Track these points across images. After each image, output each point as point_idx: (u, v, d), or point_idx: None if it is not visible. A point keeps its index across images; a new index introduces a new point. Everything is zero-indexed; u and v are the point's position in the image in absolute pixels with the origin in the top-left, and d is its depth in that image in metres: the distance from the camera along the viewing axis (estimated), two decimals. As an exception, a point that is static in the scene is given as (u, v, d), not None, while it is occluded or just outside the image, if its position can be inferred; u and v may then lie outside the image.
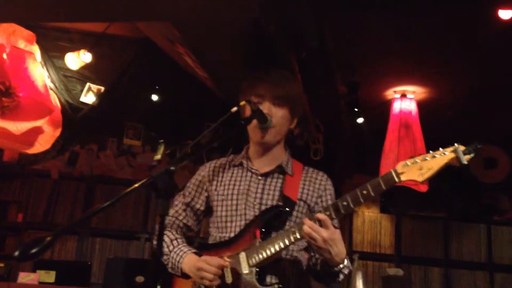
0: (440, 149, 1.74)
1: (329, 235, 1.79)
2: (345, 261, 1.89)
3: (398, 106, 5.27)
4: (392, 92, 5.36)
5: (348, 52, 4.59)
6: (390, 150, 5.12)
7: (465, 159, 1.68)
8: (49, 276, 4.64)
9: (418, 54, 4.61)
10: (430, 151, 1.76)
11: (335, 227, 1.85)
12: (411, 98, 5.29)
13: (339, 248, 1.83)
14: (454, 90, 5.29)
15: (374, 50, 4.57)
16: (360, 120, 5.38)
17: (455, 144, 1.73)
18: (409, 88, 5.27)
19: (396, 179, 1.76)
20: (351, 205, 1.82)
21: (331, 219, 1.83)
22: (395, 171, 1.77)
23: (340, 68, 4.74)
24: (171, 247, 2.12)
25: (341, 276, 1.94)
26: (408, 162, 1.76)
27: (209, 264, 1.96)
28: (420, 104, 5.34)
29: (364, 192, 1.80)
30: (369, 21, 4.06)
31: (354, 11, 3.86)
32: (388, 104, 5.43)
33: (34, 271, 4.69)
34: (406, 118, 5.19)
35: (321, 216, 1.82)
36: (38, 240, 1.22)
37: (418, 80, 5.13)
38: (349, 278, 4.86)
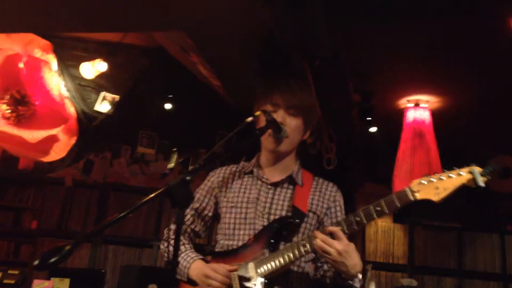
0: (456, 168, 1.73)
1: (343, 247, 1.78)
2: (359, 276, 1.87)
3: (411, 115, 5.25)
4: (406, 101, 5.34)
5: (361, 61, 4.58)
6: (404, 159, 5.10)
7: (481, 180, 1.67)
8: (63, 284, 4.67)
9: (432, 63, 4.60)
10: (445, 170, 1.75)
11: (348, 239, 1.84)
12: (424, 107, 5.27)
13: (354, 261, 1.81)
14: (468, 99, 5.26)
15: (388, 58, 4.56)
16: (373, 129, 5.37)
17: (472, 165, 1.71)
18: (422, 97, 5.25)
19: (411, 197, 1.76)
20: (364, 221, 1.82)
21: (344, 233, 1.82)
22: (410, 189, 1.76)
23: (353, 76, 4.74)
24: (178, 253, 2.12)
25: None
26: (423, 180, 1.75)
27: (217, 272, 1.95)
28: (434, 113, 5.31)
29: (378, 208, 1.80)
30: (383, 29, 4.06)
31: (367, 21, 3.87)
32: (401, 113, 5.41)
33: (48, 278, 4.72)
34: (420, 127, 5.17)
35: (332, 228, 1.81)
36: (57, 249, 1.24)
37: (432, 89, 5.11)
38: (362, 288, 4.83)
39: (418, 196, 1.75)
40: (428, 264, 6.82)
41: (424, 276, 6.74)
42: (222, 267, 1.96)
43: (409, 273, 6.63)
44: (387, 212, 1.79)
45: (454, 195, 1.76)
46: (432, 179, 1.74)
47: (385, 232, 6.87)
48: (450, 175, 1.73)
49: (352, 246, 1.82)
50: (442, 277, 6.75)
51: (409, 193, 1.76)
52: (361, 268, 1.85)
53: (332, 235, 1.80)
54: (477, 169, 1.70)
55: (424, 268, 6.79)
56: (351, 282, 1.87)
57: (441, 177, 1.74)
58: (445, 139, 5.17)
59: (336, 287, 1.93)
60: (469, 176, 1.70)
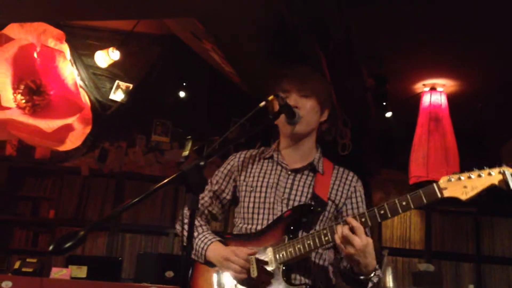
0: (486, 168, 1.69)
1: (361, 245, 1.76)
2: (376, 271, 1.85)
3: (427, 99, 5.18)
4: (422, 85, 5.28)
5: (375, 44, 4.53)
6: (420, 144, 5.04)
7: None
8: (81, 271, 4.71)
9: (448, 46, 4.53)
10: (475, 169, 1.70)
11: (367, 235, 1.81)
12: (441, 91, 5.20)
13: (367, 260, 1.79)
14: (484, 82, 5.18)
15: (403, 42, 4.50)
16: (388, 114, 5.31)
17: (503, 165, 1.67)
18: (438, 81, 5.18)
19: (439, 194, 1.72)
20: (389, 215, 1.78)
21: (366, 226, 1.79)
22: (438, 186, 1.72)
23: (367, 60, 4.69)
24: (195, 234, 2.11)
25: (370, 284, 1.89)
26: (452, 177, 1.71)
27: (238, 255, 1.93)
28: (450, 97, 5.24)
29: (404, 203, 1.76)
30: (397, 12, 4.00)
31: (381, 3, 3.81)
32: (417, 97, 5.35)
33: (66, 266, 4.77)
34: (436, 111, 5.10)
35: (354, 222, 1.78)
36: (71, 234, 1.24)
37: (448, 73, 5.04)
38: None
39: (446, 193, 1.71)
40: (445, 249, 6.78)
41: (441, 261, 6.69)
42: (243, 251, 1.94)
43: (426, 259, 6.59)
44: (413, 207, 1.75)
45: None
46: (461, 177, 1.70)
47: (401, 218, 6.83)
48: (481, 174, 1.68)
49: (370, 245, 1.79)
50: (460, 262, 6.70)
51: (437, 190, 1.72)
52: (373, 267, 1.82)
53: (352, 228, 1.78)
54: (508, 170, 1.65)
55: (441, 253, 6.75)
56: (363, 278, 1.84)
57: (470, 175, 1.69)
58: (461, 123, 5.10)
59: (353, 280, 1.91)
60: (499, 177, 1.66)
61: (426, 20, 4.11)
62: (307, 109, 2.06)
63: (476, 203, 6.64)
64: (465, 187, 1.69)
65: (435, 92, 5.19)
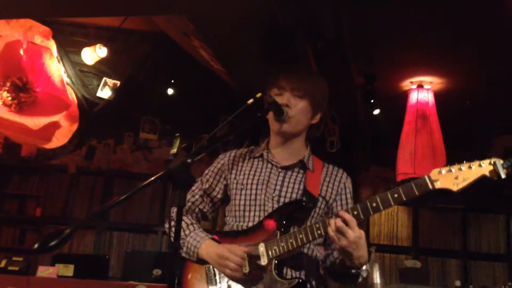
0: (476, 160, 1.71)
1: (354, 237, 1.77)
2: (365, 266, 1.87)
3: (415, 97, 5.21)
4: (409, 83, 5.30)
5: (364, 43, 4.54)
6: (407, 141, 5.07)
7: (504, 172, 1.65)
8: (68, 270, 4.69)
9: (435, 44, 4.55)
10: (465, 161, 1.73)
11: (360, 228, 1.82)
12: (428, 89, 5.23)
13: (360, 252, 1.81)
14: (471, 80, 5.21)
15: (391, 40, 4.52)
16: (376, 111, 5.33)
17: (493, 157, 1.69)
18: (426, 79, 5.20)
19: (430, 186, 1.74)
20: (381, 207, 1.79)
21: (358, 219, 1.80)
22: (429, 178, 1.74)
23: (356, 59, 4.70)
24: (187, 232, 2.11)
25: (360, 279, 1.92)
26: (443, 169, 1.73)
27: (233, 253, 1.94)
28: (437, 95, 5.27)
29: (396, 195, 1.77)
30: (385, 11, 4.01)
31: (370, 2, 3.82)
32: (405, 95, 5.37)
33: (53, 264, 4.74)
34: (423, 109, 5.13)
35: (346, 215, 1.79)
36: (57, 232, 1.23)
37: (435, 70, 5.06)
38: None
39: (437, 185, 1.73)
40: (432, 246, 6.82)
41: (428, 257, 6.74)
42: (238, 248, 1.95)
43: (413, 255, 6.63)
44: (405, 199, 1.76)
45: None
46: (452, 169, 1.72)
47: (388, 215, 6.86)
48: (471, 165, 1.70)
49: (363, 238, 1.80)
50: (446, 259, 6.75)
51: (428, 182, 1.74)
52: (365, 260, 1.85)
53: (345, 222, 1.78)
54: (499, 161, 1.67)
55: (428, 249, 6.79)
56: (354, 272, 1.87)
57: (461, 167, 1.71)
58: (448, 120, 5.13)
59: (343, 274, 1.94)
60: (490, 168, 1.68)
61: (414, 19, 4.13)
62: (298, 109, 2.07)
63: (463, 200, 6.70)
64: (456, 178, 1.72)
65: (422, 90, 5.21)
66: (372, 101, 5.04)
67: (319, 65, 4.22)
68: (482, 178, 1.70)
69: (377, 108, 5.27)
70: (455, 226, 6.88)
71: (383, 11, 4.00)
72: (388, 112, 5.41)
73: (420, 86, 5.23)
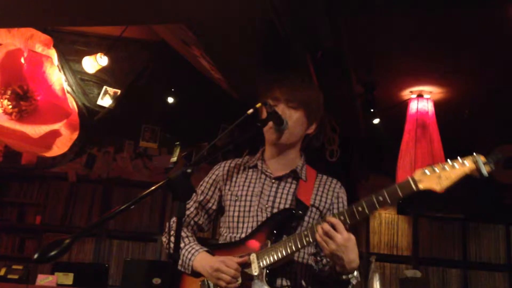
0: (459, 158, 1.71)
1: (342, 241, 1.77)
2: (356, 272, 1.86)
3: (414, 106, 5.22)
4: (409, 92, 5.31)
5: (364, 52, 4.55)
6: (407, 151, 5.07)
7: (486, 170, 1.65)
8: (67, 278, 4.68)
9: (435, 54, 4.56)
10: (449, 160, 1.73)
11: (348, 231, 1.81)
12: (427, 98, 5.24)
13: (351, 256, 1.80)
14: (471, 90, 5.22)
15: (390, 50, 4.53)
16: (376, 120, 5.34)
17: (475, 154, 1.69)
18: (425, 88, 5.21)
19: (414, 187, 1.74)
20: (366, 211, 1.80)
21: (345, 224, 1.80)
22: (413, 179, 1.74)
23: (356, 68, 4.71)
24: (182, 244, 2.11)
25: (349, 287, 1.90)
26: (427, 170, 1.74)
27: (227, 265, 1.93)
28: (437, 104, 5.28)
29: (380, 198, 1.78)
30: (385, 20, 4.02)
31: (369, 11, 3.84)
32: (404, 104, 5.38)
33: (52, 273, 4.73)
34: (423, 118, 5.14)
35: (333, 220, 1.79)
36: (57, 242, 1.23)
37: (435, 80, 5.07)
38: (366, 280, 4.83)
39: (421, 185, 1.73)
40: (432, 255, 6.81)
41: (428, 267, 6.72)
42: (232, 260, 1.95)
43: (414, 265, 6.61)
44: (389, 202, 1.77)
45: (458, 186, 1.74)
46: (435, 169, 1.73)
47: (389, 224, 6.85)
48: (454, 164, 1.71)
49: (352, 241, 1.80)
50: (446, 268, 6.74)
51: (412, 183, 1.74)
52: (357, 265, 1.83)
53: (332, 226, 1.79)
54: (480, 158, 1.67)
55: (428, 259, 6.78)
56: (345, 278, 1.86)
57: (444, 166, 1.72)
58: (448, 130, 5.13)
59: (334, 282, 1.93)
60: (472, 166, 1.68)
61: (413, 29, 4.14)
62: (293, 120, 2.07)
63: (464, 209, 6.69)
64: (439, 177, 1.72)
65: (422, 99, 5.22)
66: (372, 110, 5.05)
67: (319, 74, 4.23)
68: (468, 177, 1.70)
69: (377, 117, 5.27)
70: (455, 236, 6.87)
71: (383, 20, 4.02)
72: (388, 122, 5.42)
73: (420, 95, 5.24)
